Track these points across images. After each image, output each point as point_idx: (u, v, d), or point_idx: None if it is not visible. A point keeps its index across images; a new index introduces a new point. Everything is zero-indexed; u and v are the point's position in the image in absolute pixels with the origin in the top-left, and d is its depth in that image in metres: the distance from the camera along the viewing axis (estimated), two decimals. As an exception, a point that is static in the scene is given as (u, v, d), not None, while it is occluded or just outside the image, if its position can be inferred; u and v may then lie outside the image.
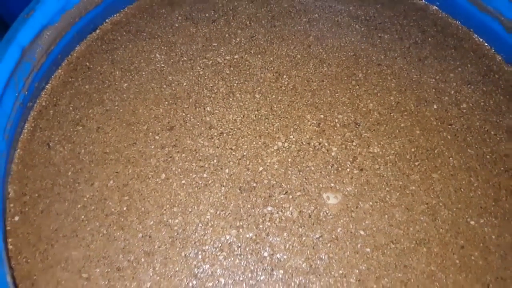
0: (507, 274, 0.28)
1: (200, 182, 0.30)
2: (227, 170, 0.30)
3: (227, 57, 0.36)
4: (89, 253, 0.27)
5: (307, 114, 0.33)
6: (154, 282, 0.26)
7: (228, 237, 0.28)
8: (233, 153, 0.31)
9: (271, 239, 0.28)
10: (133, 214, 0.28)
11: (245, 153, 0.31)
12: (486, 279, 0.27)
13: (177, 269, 0.27)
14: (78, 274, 0.26)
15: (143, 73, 0.35)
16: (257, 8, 0.40)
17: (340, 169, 0.31)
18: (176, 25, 0.38)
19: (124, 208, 0.29)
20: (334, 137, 0.32)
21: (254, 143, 0.32)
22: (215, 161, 0.31)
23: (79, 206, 0.29)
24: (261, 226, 0.28)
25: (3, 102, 0.26)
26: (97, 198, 0.29)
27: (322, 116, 0.33)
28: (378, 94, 0.35)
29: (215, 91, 0.34)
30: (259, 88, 0.34)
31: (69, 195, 0.29)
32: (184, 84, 0.34)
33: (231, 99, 0.34)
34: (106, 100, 0.33)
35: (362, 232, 0.28)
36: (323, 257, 0.27)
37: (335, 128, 0.33)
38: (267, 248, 0.28)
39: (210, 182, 0.30)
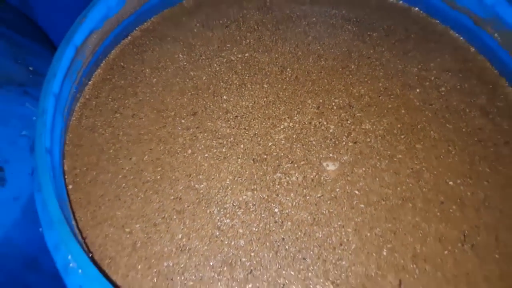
0: (480, 223, 0.33)
1: (220, 155, 0.36)
2: (242, 146, 0.36)
3: (239, 55, 0.42)
4: (130, 213, 0.33)
5: (308, 100, 0.39)
6: (185, 234, 0.32)
7: (244, 197, 0.33)
8: (247, 132, 0.37)
9: (280, 198, 0.33)
10: (165, 181, 0.34)
11: (256, 132, 0.37)
12: (462, 227, 0.32)
13: (203, 223, 0.32)
14: (121, 229, 0.32)
15: (169, 70, 0.41)
16: (263, 14, 0.46)
17: (337, 142, 0.36)
18: (195, 30, 0.45)
19: (158, 177, 0.34)
20: (332, 117, 0.38)
21: (264, 123, 0.38)
22: (231, 138, 0.37)
23: (120, 176, 0.34)
24: (272, 188, 0.34)
25: (63, 90, 0.32)
26: (135, 170, 0.35)
27: (321, 100, 0.39)
28: (369, 82, 0.40)
29: (230, 83, 0.40)
30: (267, 79, 0.41)
31: (111, 168, 0.35)
32: (204, 78, 0.41)
33: (243, 89, 0.40)
34: (139, 93, 0.39)
35: (357, 192, 0.34)
36: (325, 212, 0.33)
37: (332, 110, 0.38)
38: (277, 206, 0.33)
39: (228, 155, 0.36)
